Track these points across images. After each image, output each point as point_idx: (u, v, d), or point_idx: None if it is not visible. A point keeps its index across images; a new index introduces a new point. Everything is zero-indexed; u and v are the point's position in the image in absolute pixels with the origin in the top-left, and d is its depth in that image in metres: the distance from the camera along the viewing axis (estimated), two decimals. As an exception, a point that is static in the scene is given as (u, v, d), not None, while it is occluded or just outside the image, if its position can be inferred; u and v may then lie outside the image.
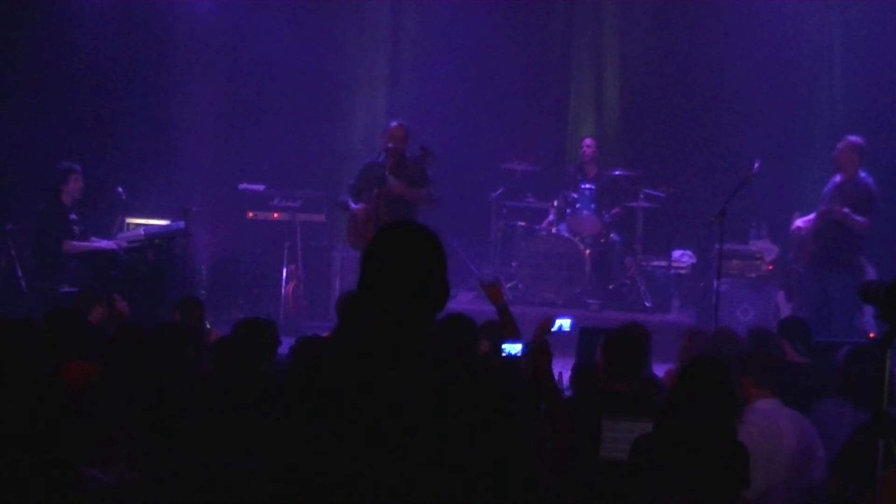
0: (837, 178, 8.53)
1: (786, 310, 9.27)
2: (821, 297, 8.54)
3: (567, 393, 5.52)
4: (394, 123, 8.71)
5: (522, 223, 10.39)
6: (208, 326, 6.93)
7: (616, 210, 10.24)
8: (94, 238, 8.84)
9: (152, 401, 4.51)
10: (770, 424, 4.42)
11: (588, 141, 10.55)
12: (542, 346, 4.31)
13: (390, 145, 8.48)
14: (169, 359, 4.89)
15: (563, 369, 5.77)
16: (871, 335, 7.84)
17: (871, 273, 8.94)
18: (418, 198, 8.45)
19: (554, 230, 10.13)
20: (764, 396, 4.53)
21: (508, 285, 10.09)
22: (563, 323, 5.37)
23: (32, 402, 4.02)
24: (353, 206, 8.58)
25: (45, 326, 5.10)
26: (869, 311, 8.20)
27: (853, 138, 8.48)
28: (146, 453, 4.31)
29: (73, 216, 8.65)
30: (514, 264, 10.25)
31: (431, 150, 8.28)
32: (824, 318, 8.42)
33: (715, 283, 8.49)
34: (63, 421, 4.01)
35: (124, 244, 8.88)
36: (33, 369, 4.26)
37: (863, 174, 8.43)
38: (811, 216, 8.71)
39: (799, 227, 8.72)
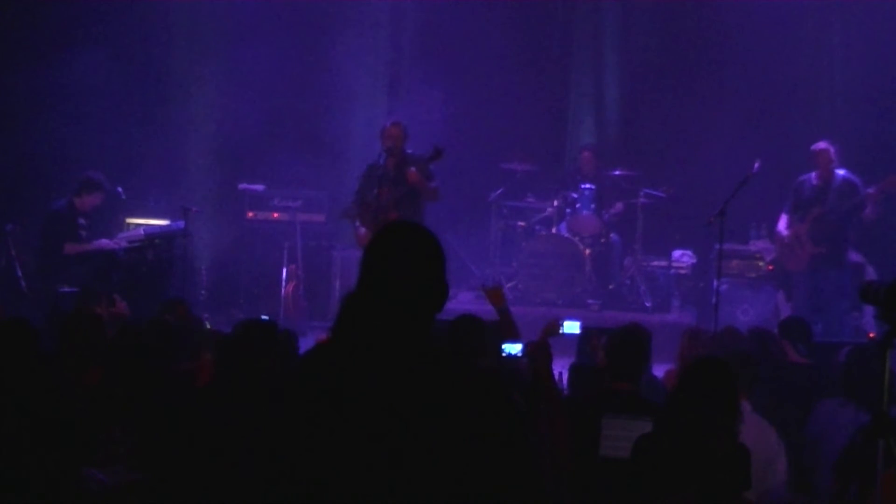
0: (813, 179, 8.82)
1: (786, 310, 9.28)
2: (815, 294, 8.65)
3: (567, 393, 5.52)
4: (389, 123, 8.75)
5: (522, 223, 10.38)
6: (208, 326, 6.94)
7: (619, 206, 10.23)
8: (100, 240, 8.84)
9: (152, 401, 4.51)
10: None
11: (585, 154, 10.52)
12: (542, 347, 4.32)
13: (387, 145, 8.53)
14: (165, 357, 4.89)
15: (563, 369, 5.78)
16: (871, 335, 7.85)
17: (870, 273, 8.96)
18: (429, 190, 8.49)
19: (554, 229, 10.12)
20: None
21: (508, 285, 10.08)
22: (572, 326, 5.37)
23: (31, 401, 4.02)
24: (360, 230, 8.56)
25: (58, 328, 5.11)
26: (869, 310, 8.24)
27: (828, 145, 8.78)
28: (146, 453, 4.31)
29: (81, 221, 8.67)
30: (514, 264, 10.25)
31: (443, 149, 8.32)
32: (821, 317, 8.48)
33: (715, 283, 8.50)
34: (63, 421, 4.01)
35: (124, 244, 8.88)
36: (32, 369, 4.27)
37: (842, 171, 8.73)
38: (784, 221, 8.96)
39: (785, 235, 8.92)
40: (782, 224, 9.02)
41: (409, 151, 8.65)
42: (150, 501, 4.15)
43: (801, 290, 8.95)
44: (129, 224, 9.61)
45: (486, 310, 5.79)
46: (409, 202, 8.42)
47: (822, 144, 8.81)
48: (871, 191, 8.59)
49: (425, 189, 8.48)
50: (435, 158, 8.34)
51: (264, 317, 6.91)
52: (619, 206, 10.25)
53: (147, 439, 4.36)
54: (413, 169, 8.38)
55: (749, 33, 10.54)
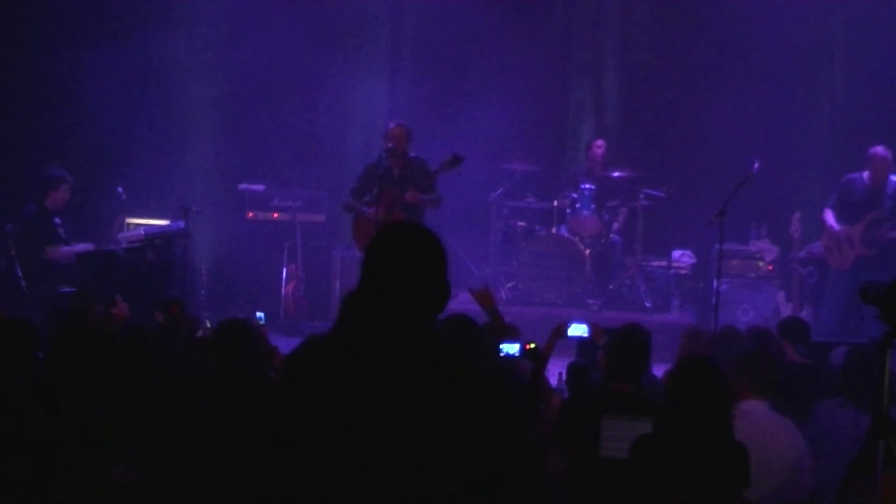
0: (864, 179, 8.85)
1: (786, 310, 9.28)
2: (851, 296, 8.60)
3: (566, 393, 5.52)
4: (393, 124, 8.75)
5: (522, 223, 10.38)
6: (208, 325, 6.93)
7: (623, 211, 10.23)
8: (76, 243, 8.81)
9: (152, 401, 4.51)
10: (755, 428, 4.37)
11: (599, 142, 10.52)
12: (535, 351, 4.37)
13: (390, 146, 8.53)
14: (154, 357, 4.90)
15: (563, 369, 5.79)
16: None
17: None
18: (429, 203, 8.54)
19: (554, 229, 10.12)
20: (753, 398, 4.46)
21: (508, 285, 10.09)
22: (579, 328, 5.37)
23: (30, 402, 4.02)
24: (365, 209, 8.57)
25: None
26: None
27: (886, 150, 8.85)
28: (146, 453, 4.31)
29: (57, 220, 8.65)
30: (514, 264, 10.25)
31: (462, 157, 8.34)
32: (854, 320, 8.48)
33: (715, 283, 8.50)
34: (64, 421, 4.01)
35: (124, 244, 8.88)
36: (31, 369, 4.27)
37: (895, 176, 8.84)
38: (831, 217, 8.95)
39: (838, 230, 8.93)
40: (831, 219, 9.02)
41: (413, 154, 8.67)
42: (150, 501, 4.15)
43: (837, 289, 8.95)
44: (129, 224, 9.60)
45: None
46: (413, 206, 8.48)
47: (879, 149, 8.86)
48: None
49: (425, 203, 8.54)
50: (453, 165, 8.35)
51: (259, 314, 6.92)
52: (623, 211, 10.25)
53: (148, 439, 4.36)
54: (411, 192, 8.41)
55: (749, 33, 10.54)
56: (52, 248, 8.54)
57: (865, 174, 8.89)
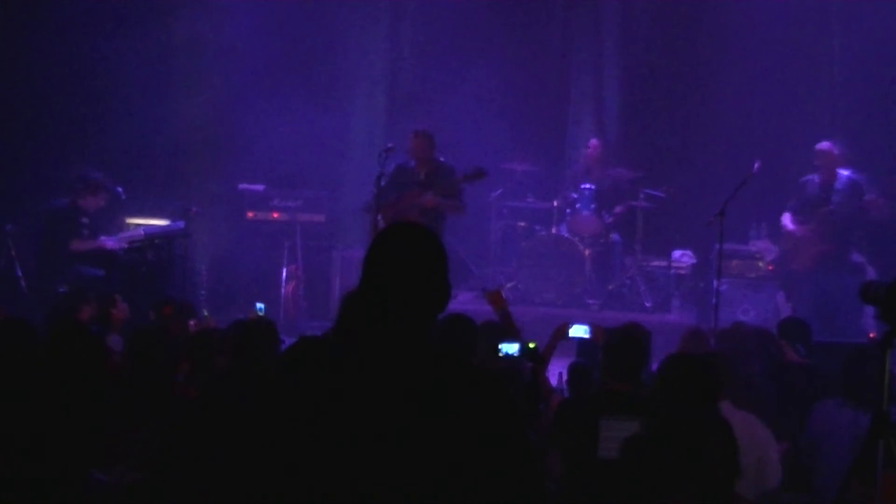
0: (816, 179, 9.00)
1: (786, 310, 9.28)
2: (823, 296, 8.67)
3: (566, 393, 5.52)
4: (412, 132, 8.86)
5: (522, 223, 10.39)
6: (205, 314, 6.97)
7: (620, 208, 10.23)
8: (102, 237, 8.86)
9: (151, 400, 4.51)
10: None
11: (593, 142, 10.53)
12: (535, 350, 4.38)
13: (411, 149, 8.69)
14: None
15: (563, 369, 5.79)
16: (872, 335, 7.86)
17: (871, 273, 8.97)
18: (451, 208, 8.60)
19: (554, 229, 10.13)
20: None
21: (508, 285, 10.09)
22: (579, 329, 5.38)
23: (30, 402, 4.02)
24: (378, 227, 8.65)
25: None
26: (869, 310, 8.26)
27: (831, 145, 8.97)
28: (145, 453, 4.31)
29: (84, 220, 8.68)
30: (514, 264, 10.26)
31: (485, 171, 8.40)
32: (826, 316, 8.51)
33: (715, 283, 8.50)
34: (62, 421, 4.01)
35: (124, 244, 8.89)
36: (31, 369, 4.27)
37: (846, 171, 8.89)
38: (788, 218, 9.10)
39: (793, 231, 9.05)
40: (788, 221, 9.13)
41: (442, 159, 8.76)
42: (150, 501, 4.15)
43: (804, 290, 9.02)
44: (129, 224, 9.60)
45: (485, 310, 5.81)
46: (433, 211, 8.56)
47: (825, 145, 8.95)
48: (868, 198, 8.78)
49: (447, 208, 8.65)
50: (475, 177, 8.44)
51: (259, 305, 6.92)
52: (619, 208, 10.26)
53: (148, 439, 4.36)
54: (430, 196, 8.52)
55: (749, 33, 10.54)
56: (75, 241, 8.57)
57: (817, 174, 9.01)
